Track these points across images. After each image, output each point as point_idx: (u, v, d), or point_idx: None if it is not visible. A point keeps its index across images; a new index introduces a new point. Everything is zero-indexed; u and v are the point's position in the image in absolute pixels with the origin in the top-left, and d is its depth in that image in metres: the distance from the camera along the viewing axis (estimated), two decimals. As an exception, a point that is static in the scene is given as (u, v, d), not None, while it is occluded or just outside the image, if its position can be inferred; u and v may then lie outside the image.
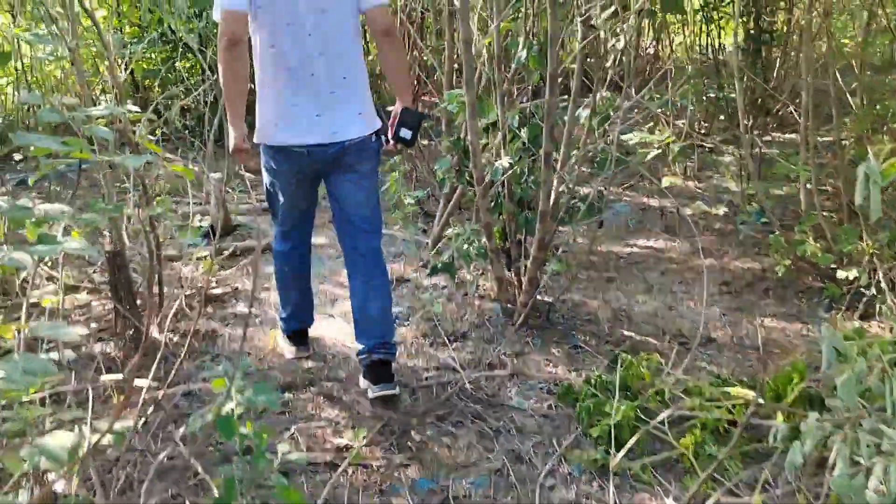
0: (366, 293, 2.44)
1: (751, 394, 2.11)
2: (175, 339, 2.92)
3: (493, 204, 2.92)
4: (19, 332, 1.89)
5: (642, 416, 2.19)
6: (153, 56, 6.82)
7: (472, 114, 2.68)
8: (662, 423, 2.15)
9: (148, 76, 6.68)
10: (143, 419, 1.94)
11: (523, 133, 2.89)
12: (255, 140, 2.36)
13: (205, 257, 3.85)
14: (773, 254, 3.37)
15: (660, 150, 3.17)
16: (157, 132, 5.83)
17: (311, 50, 2.22)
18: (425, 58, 5.38)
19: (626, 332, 2.93)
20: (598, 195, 2.86)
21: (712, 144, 4.91)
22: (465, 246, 2.90)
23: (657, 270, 3.61)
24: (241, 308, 3.28)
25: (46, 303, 2.09)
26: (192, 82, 6.80)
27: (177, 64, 6.54)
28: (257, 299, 3.41)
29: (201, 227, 4.34)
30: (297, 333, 2.76)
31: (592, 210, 2.85)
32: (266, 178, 2.45)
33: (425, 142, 6.28)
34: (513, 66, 3.03)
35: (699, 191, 4.83)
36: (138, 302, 3.14)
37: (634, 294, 3.33)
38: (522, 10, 3.08)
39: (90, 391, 1.61)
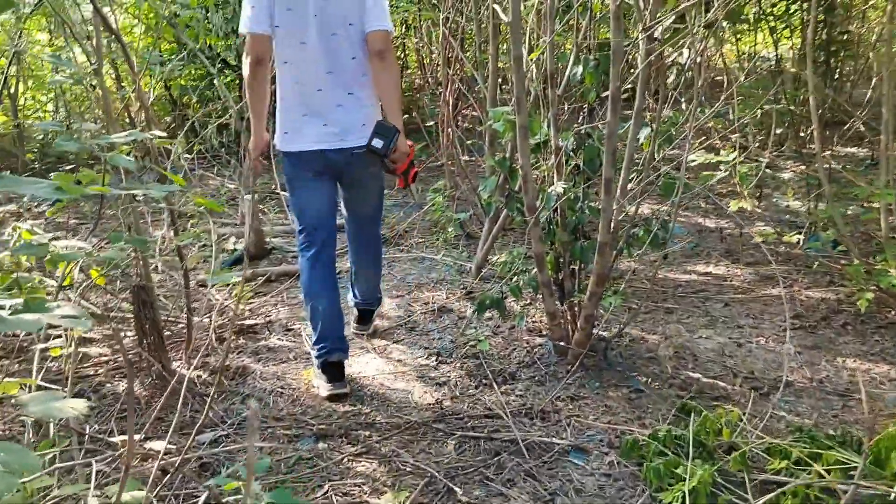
0: (360, 266, 2.92)
1: (851, 458, 1.84)
2: (204, 376, 2.73)
3: (544, 232, 2.69)
4: (28, 388, 1.72)
5: (721, 481, 1.94)
6: (191, 72, 6.75)
7: (523, 136, 2.46)
8: (745, 489, 1.90)
9: (186, 93, 6.60)
10: (158, 487, 1.74)
11: (578, 155, 2.66)
12: (276, 146, 2.64)
13: (237, 284, 3.68)
14: (853, 285, 3.06)
15: (726, 173, 2.90)
16: (193, 150, 5.74)
17: (320, 68, 2.47)
18: (467, 71, 5.18)
19: (691, 374, 2.66)
20: (661, 223, 2.61)
21: (769, 160, 4.60)
22: (514, 277, 2.67)
23: (720, 301, 3.33)
24: (275, 341, 3.10)
25: (56, 352, 1.92)
26: (231, 98, 6.72)
27: (215, 81, 6.46)
28: (291, 330, 3.22)
29: (235, 250, 4.19)
30: (332, 366, 2.57)
31: (655, 239, 2.60)
32: (287, 185, 2.68)
33: (466, 157, 6.08)
34: (563, 82, 2.80)
35: (758, 210, 4.52)
36: (167, 333, 2.98)
37: (697, 328, 3.06)
38: (574, 22, 2.84)
39: (94, 467, 1.41)
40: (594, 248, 2.67)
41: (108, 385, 2.68)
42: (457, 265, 3.89)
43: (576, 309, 2.68)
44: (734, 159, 2.91)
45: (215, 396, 2.56)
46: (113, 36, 2.64)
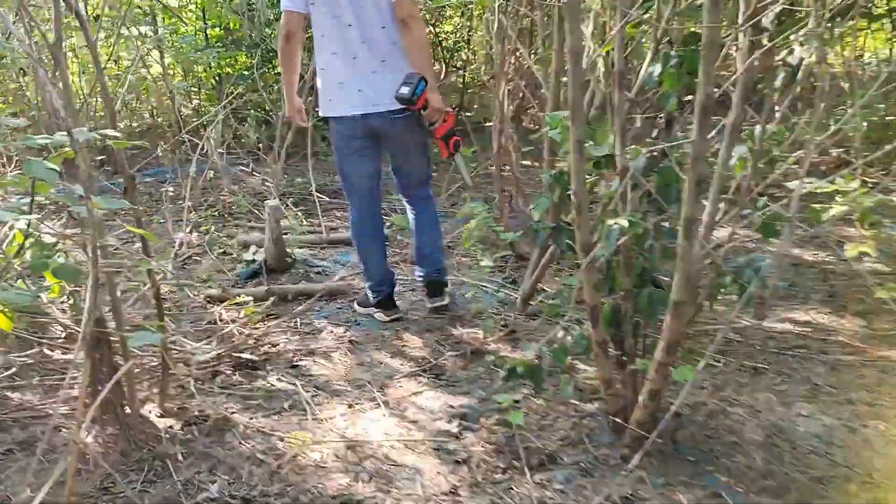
0: (421, 232, 3.06)
1: None
2: (176, 427, 2.26)
3: (602, 275, 2.10)
4: None
5: None
6: (236, 60, 6.37)
7: (577, 153, 1.88)
8: None
9: (231, 82, 6.22)
10: None
11: (649, 179, 2.06)
12: (321, 112, 2.91)
13: (246, 304, 3.22)
14: None
15: (844, 207, 2.24)
16: (241, 142, 5.33)
17: (352, 38, 2.72)
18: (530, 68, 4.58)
19: (787, 471, 2.03)
20: (755, 270, 1.98)
21: (878, 180, 3.86)
22: (561, 333, 2.09)
23: (824, 362, 2.66)
24: (274, 381, 2.61)
25: None
26: (277, 89, 6.32)
27: (258, 69, 6.05)
28: (296, 367, 2.73)
29: (254, 260, 3.74)
30: (388, 299, 3.07)
31: (746, 294, 1.98)
32: (335, 150, 2.97)
33: (527, 161, 5.49)
34: (636, 84, 2.20)
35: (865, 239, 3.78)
36: (152, 362, 2.54)
37: (795, 400, 2.41)
38: (654, 10, 2.23)
39: None
40: (664, 299, 2.07)
41: (62, 431, 2.24)
42: (500, 294, 3.33)
43: (637, 377, 2.09)
44: (855, 189, 2.25)
45: (180, 459, 2.08)
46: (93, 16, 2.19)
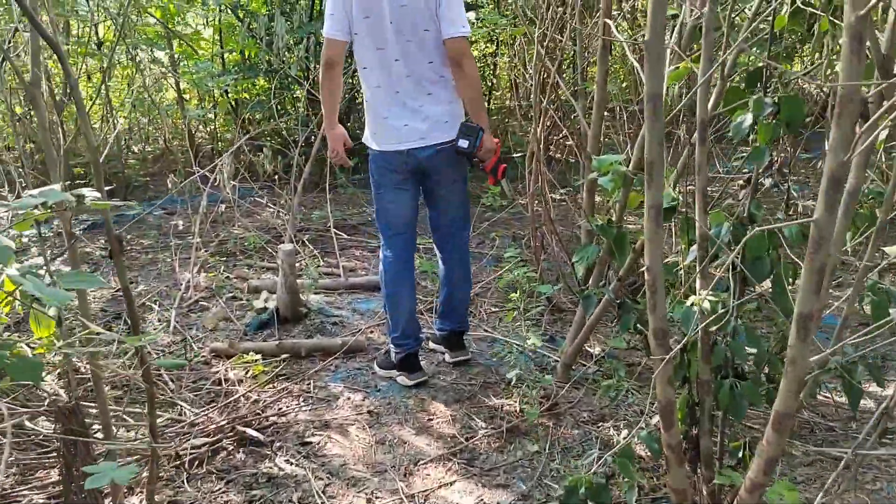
0: (454, 284, 2.85)
1: None
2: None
3: (676, 364, 1.75)
4: None
5: None
6: (254, 86, 6.10)
7: (654, 219, 1.53)
8: None
9: (249, 108, 5.94)
10: None
11: (734, 249, 1.71)
12: (366, 145, 2.72)
13: (255, 362, 2.89)
14: None
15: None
16: (240, 172, 5.04)
17: (398, 71, 2.54)
18: (561, 94, 4.25)
19: None
20: (870, 368, 1.62)
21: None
22: (624, 432, 1.74)
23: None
24: (282, 463, 2.27)
25: None
26: (295, 117, 6.03)
27: (275, 94, 5.77)
28: (308, 445, 2.39)
29: (265, 308, 3.41)
30: (411, 358, 2.77)
31: (856, 395, 1.62)
32: (372, 184, 2.74)
33: (558, 195, 5.15)
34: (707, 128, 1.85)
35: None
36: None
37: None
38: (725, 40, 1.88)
39: None
40: (752, 392, 1.71)
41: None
42: (537, 356, 2.97)
43: (720, 492, 1.72)
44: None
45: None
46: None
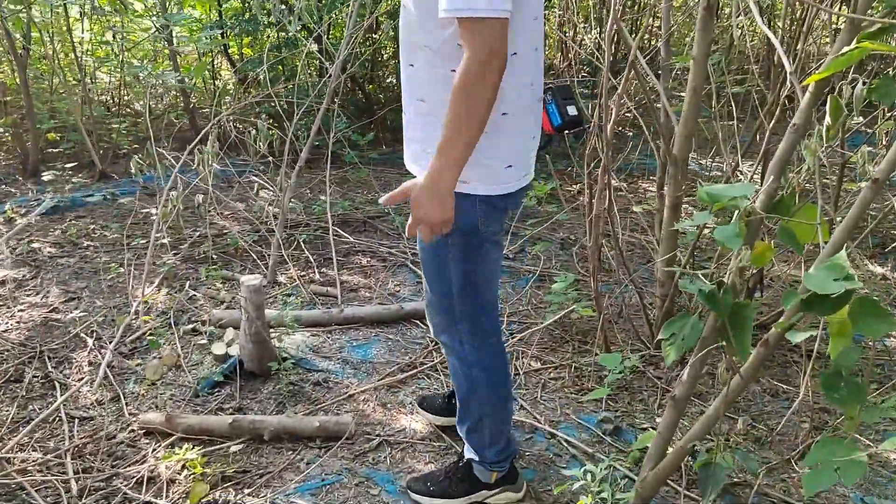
0: None
1: None
2: None
3: None
4: None
5: None
6: (262, 38, 5.15)
7: None
8: None
9: (241, 66, 5.01)
10: None
11: None
12: (472, 192, 1.58)
13: (193, 460, 2.06)
14: None
15: None
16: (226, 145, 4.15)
17: (541, 62, 1.63)
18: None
19: None
20: None
21: None
22: None
23: None
24: None
25: None
26: (304, 80, 5.08)
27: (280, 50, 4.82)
28: None
29: (227, 355, 2.57)
30: (513, 466, 1.97)
31: None
32: (469, 243, 1.66)
33: (615, 181, 4.17)
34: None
35: None
36: None
37: None
38: None
39: None
40: None
41: None
42: (594, 450, 2.08)
43: None
44: None
45: None
46: None
